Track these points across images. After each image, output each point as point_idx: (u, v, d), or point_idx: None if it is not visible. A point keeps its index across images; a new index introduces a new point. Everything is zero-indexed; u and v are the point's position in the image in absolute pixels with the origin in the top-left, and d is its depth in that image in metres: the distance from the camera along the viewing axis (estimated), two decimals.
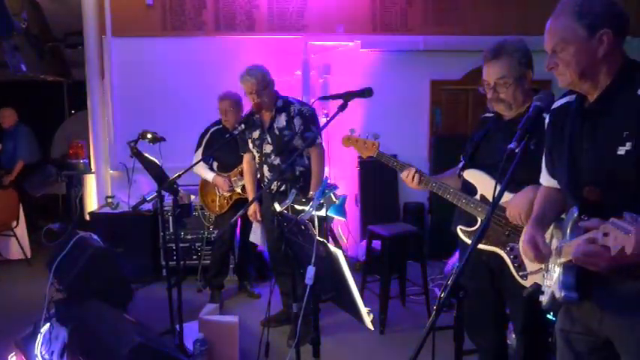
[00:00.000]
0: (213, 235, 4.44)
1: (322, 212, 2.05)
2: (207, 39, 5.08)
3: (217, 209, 4.10)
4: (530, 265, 2.01)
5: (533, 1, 4.86)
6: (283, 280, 3.46)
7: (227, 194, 3.99)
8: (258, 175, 3.53)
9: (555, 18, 1.50)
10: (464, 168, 2.28)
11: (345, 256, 1.74)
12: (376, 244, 3.93)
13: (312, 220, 1.99)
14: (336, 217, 2.27)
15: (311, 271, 1.82)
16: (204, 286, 4.32)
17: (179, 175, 2.84)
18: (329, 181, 2.15)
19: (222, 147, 3.78)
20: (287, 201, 2.34)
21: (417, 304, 3.99)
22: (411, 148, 5.17)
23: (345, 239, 5.20)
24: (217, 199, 4.07)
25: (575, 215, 1.51)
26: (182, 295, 2.96)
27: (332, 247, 1.79)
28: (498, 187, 1.39)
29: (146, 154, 3.11)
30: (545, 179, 1.76)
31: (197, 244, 4.63)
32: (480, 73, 2.20)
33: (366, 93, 2.30)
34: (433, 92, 5.34)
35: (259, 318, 3.47)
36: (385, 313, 3.58)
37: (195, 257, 4.63)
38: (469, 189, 2.25)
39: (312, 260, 1.82)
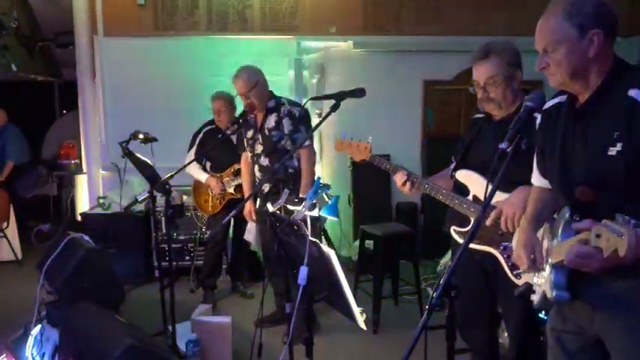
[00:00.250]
0: (206, 236, 4.43)
1: (315, 212, 2.05)
2: (200, 39, 5.06)
3: (210, 210, 4.09)
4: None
5: (524, 2, 4.89)
6: (276, 281, 3.46)
7: (219, 192, 3.98)
8: None
9: (546, 18, 1.50)
10: (456, 169, 2.30)
11: (338, 256, 1.74)
12: (369, 244, 3.94)
13: (304, 220, 1.99)
14: (329, 217, 2.26)
15: (304, 271, 1.82)
16: (197, 286, 4.31)
17: (171, 176, 2.83)
18: (321, 181, 2.15)
19: (215, 147, 3.77)
20: (279, 201, 2.33)
21: (410, 304, 4.00)
22: (403, 148, 5.18)
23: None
24: (210, 199, 4.06)
25: (567, 216, 1.52)
26: (175, 295, 2.95)
27: (324, 247, 1.79)
28: (490, 187, 1.40)
29: (138, 155, 3.10)
30: (537, 179, 1.77)
31: (190, 245, 4.62)
32: (472, 74, 2.22)
33: (358, 93, 2.30)
34: (425, 92, 5.36)
35: (252, 318, 3.46)
36: (378, 312, 3.59)
37: (187, 258, 4.61)
38: (461, 189, 2.27)
39: (305, 260, 1.82)
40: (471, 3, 5.20)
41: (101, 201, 4.74)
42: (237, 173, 3.92)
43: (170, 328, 2.96)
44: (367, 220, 4.56)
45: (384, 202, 5.29)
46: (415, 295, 3.85)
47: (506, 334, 2.53)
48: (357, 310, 1.77)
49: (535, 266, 1.59)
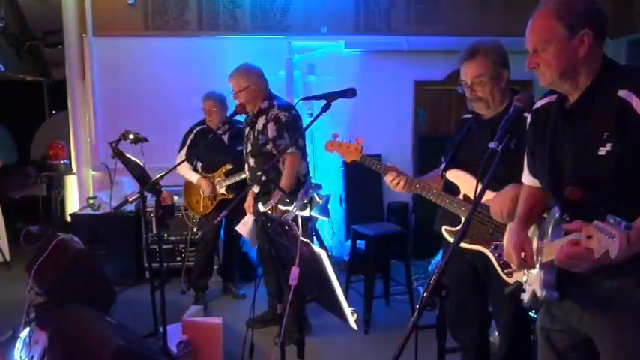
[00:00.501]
0: (197, 236, 4.41)
1: (306, 212, 2.05)
2: (190, 38, 5.04)
3: (201, 210, 4.07)
4: None
5: (515, 2, 4.92)
6: (270, 280, 3.46)
7: (209, 194, 3.96)
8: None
9: (537, 18, 1.51)
10: (446, 169, 2.31)
11: (330, 256, 1.75)
12: (360, 243, 3.95)
13: (295, 220, 1.99)
14: (320, 217, 2.26)
15: (295, 271, 1.82)
16: (188, 287, 4.29)
17: (162, 176, 2.82)
18: (312, 182, 2.15)
19: (206, 147, 3.75)
20: (271, 201, 2.33)
21: (402, 303, 4.01)
22: (394, 148, 5.20)
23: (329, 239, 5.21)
24: (201, 199, 4.04)
25: (557, 215, 1.53)
26: (166, 296, 2.93)
27: (316, 248, 1.79)
28: (480, 187, 1.40)
29: (128, 155, 3.08)
30: (527, 179, 1.78)
31: (181, 246, 4.60)
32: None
33: (349, 93, 2.30)
34: (417, 92, 5.38)
35: (244, 319, 3.45)
36: (370, 312, 3.59)
37: (178, 259, 4.59)
38: (452, 189, 2.28)
39: (296, 261, 1.82)
40: (463, 4, 5.23)
41: (91, 202, 4.71)
42: (228, 174, 3.91)
43: (161, 329, 2.94)
44: (359, 220, 4.57)
45: (375, 202, 5.30)
46: (407, 294, 3.86)
47: (496, 333, 2.54)
48: (348, 310, 1.77)
49: (526, 265, 1.60)
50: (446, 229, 2.30)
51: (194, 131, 4.02)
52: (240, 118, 3.63)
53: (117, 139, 3.15)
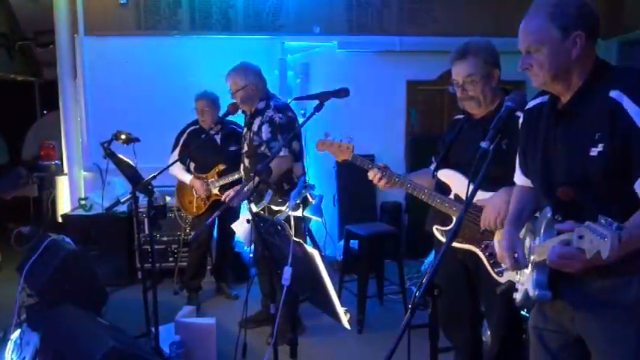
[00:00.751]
0: (190, 237, 4.39)
1: (299, 212, 2.05)
2: (183, 38, 5.02)
3: (194, 210, 4.05)
4: None
5: (508, 3, 4.94)
6: (264, 280, 3.45)
7: (204, 195, 3.95)
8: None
9: (529, 19, 1.51)
10: (437, 168, 2.32)
11: (323, 256, 1.74)
12: (354, 243, 3.95)
13: (288, 220, 1.99)
14: (313, 217, 2.26)
15: (288, 271, 1.82)
16: (181, 288, 4.27)
17: (154, 176, 2.80)
18: (305, 182, 2.15)
19: (198, 147, 3.74)
20: (263, 201, 2.33)
21: (395, 303, 4.01)
22: (387, 148, 5.21)
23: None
24: (194, 200, 4.03)
25: (549, 215, 1.53)
26: (158, 297, 2.92)
27: (308, 248, 1.78)
28: (471, 186, 1.41)
29: (120, 155, 3.06)
30: (519, 178, 1.78)
31: (173, 246, 4.58)
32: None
33: (342, 93, 2.30)
34: (409, 92, 5.39)
35: (237, 319, 3.44)
36: (363, 312, 3.59)
37: (171, 259, 4.57)
38: (443, 189, 2.29)
39: (289, 261, 1.82)
40: (455, 4, 5.24)
41: (82, 202, 4.68)
42: (221, 174, 3.89)
43: (153, 330, 2.93)
44: (352, 219, 4.57)
45: (368, 202, 5.31)
46: (400, 294, 3.87)
47: (488, 332, 2.55)
48: (341, 310, 1.77)
49: (518, 266, 1.60)
50: (437, 229, 2.31)
51: (187, 131, 4.00)
52: (235, 118, 3.62)
53: (109, 140, 3.13)
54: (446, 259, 2.18)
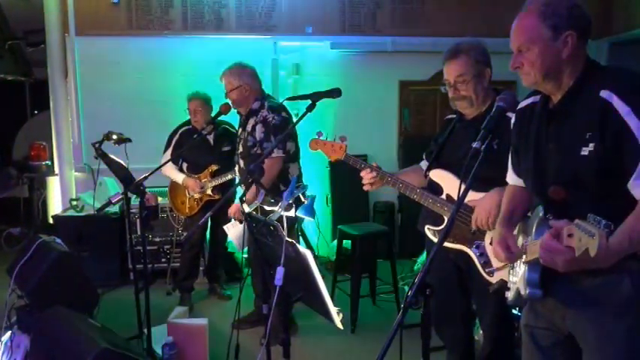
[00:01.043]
0: (183, 238, 4.38)
1: (291, 213, 2.05)
2: (175, 38, 5.00)
3: (187, 211, 4.04)
4: (497, 262, 2.05)
5: (500, 3, 4.97)
6: (257, 281, 3.45)
7: (197, 196, 3.94)
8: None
9: (521, 18, 1.52)
10: (430, 168, 2.32)
11: (316, 257, 1.75)
12: (347, 243, 3.95)
13: (280, 220, 1.99)
14: (306, 218, 2.26)
15: (280, 272, 1.82)
16: (174, 289, 4.26)
17: (146, 177, 2.79)
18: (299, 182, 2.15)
19: (191, 147, 3.73)
20: (256, 202, 2.32)
21: (388, 303, 4.02)
22: (380, 148, 5.22)
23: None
24: (187, 200, 4.01)
25: (541, 214, 1.54)
26: (151, 298, 2.90)
27: (301, 248, 1.78)
28: (463, 186, 1.41)
29: (111, 156, 3.05)
30: (512, 178, 1.80)
31: (166, 247, 4.56)
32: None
33: (334, 93, 2.30)
34: (402, 93, 5.40)
35: (230, 320, 3.43)
36: (356, 312, 3.60)
37: (164, 260, 4.55)
38: (435, 189, 2.29)
39: (281, 261, 1.81)
40: (447, 5, 5.26)
41: (74, 203, 4.65)
42: (214, 174, 3.88)
43: (146, 331, 2.91)
44: (345, 219, 4.58)
45: (361, 202, 5.32)
46: (392, 294, 3.88)
47: (481, 331, 2.56)
48: (333, 309, 1.77)
49: (512, 257, 1.61)
50: (429, 229, 2.32)
51: (179, 132, 3.99)
52: (228, 118, 3.61)
53: (100, 140, 3.11)
54: (438, 258, 2.19)
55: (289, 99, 2.77)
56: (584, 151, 1.41)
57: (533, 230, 1.55)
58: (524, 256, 1.57)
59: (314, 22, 5.13)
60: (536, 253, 1.42)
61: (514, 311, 2.35)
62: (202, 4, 4.99)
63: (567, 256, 1.27)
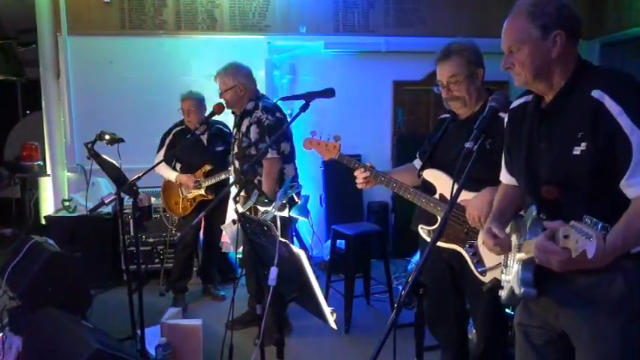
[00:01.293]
0: (176, 238, 4.36)
1: (285, 213, 2.05)
2: (168, 38, 4.98)
3: (181, 211, 4.03)
4: (489, 261, 2.06)
5: (493, 4, 4.99)
6: (251, 281, 3.44)
7: (190, 196, 3.92)
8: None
9: (511, 19, 1.54)
10: (423, 168, 2.33)
11: (310, 257, 1.75)
12: (340, 243, 3.95)
13: (274, 220, 1.99)
14: (299, 217, 2.26)
15: (274, 272, 1.81)
16: (167, 289, 4.24)
17: (139, 177, 2.78)
18: (293, 182, 2.15)
19: (184, 148, 3.72)
20: (249, 202, 2.32)
21: (382, 302, 4.02)
22: (374, 147, 5.23)
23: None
24: (180, 201, 4.00)
25: (534, 214, 1.55)
26: (144, 299, 2.89)
27: (294, 248, 1.78)
28: (455, 186, 1.41)
29: (104, 156, 3.03)
30: (505, 177, 1.81)
31: (159, 247, 4.54)
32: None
33: (327, 93, 2.30)
34: (395, 92, 5.41)
35: (224, 320, 3.41)
36: (350, 311, 3.60)
37: (157, 260, 4.53)
38: (429, 188, 2.30)
39: (275, 261, 1.81)
40: (440, 5, 5.28)
41: (66, 203, 4.62)
42: (208, 174, 3.87)
43: (139, 332, 2.90)
44: (339, 219, 4.58)
45: (355, 202, 5.32)
46: (387, 293, 3.88)
47: (474, 330, 2.57)
48: (327, 309, 1.77)
49: (502, 244, 1.61)
50: (422, 228, 2.33)
51: (172, 132, 3.97)
52: (222, 118, 3.60)
53: (92, 140, 3.10)
54: (431, 258, 2.19)
55: (283, 99, 2.77)
56: (576, 151, 1.42)
57: (527, 229, 1.56)
58: (517, 255, 1.57)
59: (308, 22, 5.13)
60: (531, 252, 1.42)
61: (507, 310, 2.36)
62: (195, 4, 4.97)
63: (563, 257, 1.28)
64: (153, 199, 4.38)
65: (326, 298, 3.57)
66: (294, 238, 4.69)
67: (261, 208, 2.91)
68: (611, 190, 1.41)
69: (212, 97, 3.54)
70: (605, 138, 1.38)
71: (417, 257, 4.24)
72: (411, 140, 5.16)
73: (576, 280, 1.48)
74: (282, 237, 1.85)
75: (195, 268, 4.31)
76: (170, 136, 3.96)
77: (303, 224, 5.04)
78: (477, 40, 2.29)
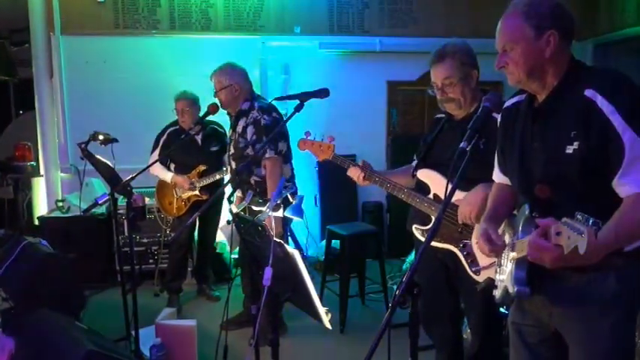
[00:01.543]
0: (170, 238, 4.35)
1: (279, 213, 2.04)
2: (162, 38, 4.97)
3: (175, 212, 4.01)
4: (483, 261, 2.07)
5: (487, 4, 5.01)
6: (246, 282, 3.43)
7: (185, 196, 3.91)
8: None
9: (505, 18, 1.54)
10: (417, 168, 2.33)
11: (304, 257, 1.75)
12: (335, 243, 3.95)
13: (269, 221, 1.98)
14: (294, 218, 2.26)
15: (268, 272, 1.81)
16: (162, 290, 4.23)
17: (133, 177, 2.77)
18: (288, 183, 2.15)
19: (179, 148, 3.71)
20: (244, 202, 2.32)
21: (377, 302, 4.03)
22: (368, 147, 5.23)
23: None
24: (175, 201, 3.99)
25: (527, 212, 1.56)
26: (138, 300, 2.88)
27: (289, 248, 1.78)
28: (449, 186, 1.42)
29: (98, 156, 3.02)
30: (498, 176, 1.81)
31: (154, 248, 4.53)
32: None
33: (322, 93, 2.30)
34: (390, 93, 5.42)
35: (218, 321, 3.40)
36: (345, 311, 3.60)
37: (151, 261, 4.52)
38: (423, 188, 2.30)
39: (269, 261, 1.81)
40: (435, 5, 5.29)
41: (60, 204, 4.60)
42: (202, 174, 3.86)
43: (133, 333, 2.89)
44: (333, 219, 4.58)
45: (350, 202, 5.33)
46: (381, 293, 3.89)
47: (469, 330, 2.58)
48: (322, 309, 1.77)
49: (495, 247, 1.61)
50: (416, 228, 2.33)
51: (167, 132, 3.96)
52: (217, 118, 3.59)
53: (86, 140, 3.08)
54: (426, 258, 2.20)
55: (277, 99, 2.77)
56: (569, 150, 1.43)
57: (520, 228, 1.57)
58: (511, 255, 1.58)
59: (302, 22, 5.13)
60: (524, 251, 1.43)
61: (502, 309, 2.37)
62: (190, 4, 4.96)
63: (555, 254, 1.28)
64: (147, 200, 4.36)
65: (321, 298, 3.57)
66: (289, 238, 4.69)
67: (256, 208, 2.91)
68: (603, 189, 1.42)
69: (206, 97, 3.53)
70: (597, 137, 1.39)
71: (411, 257, 4.25)
72: (406, 140, 5.19)
73: (569, 278, 1.49)
74: (276, 237, 1.84)
75: (189, 269, 4.30)
76: (164, 137, 3.94)
77: (298, 224, 5.04)
78: (471, 40, 2.29)
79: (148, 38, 4.95)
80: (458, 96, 2.18)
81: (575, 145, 1.42)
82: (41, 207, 5.19)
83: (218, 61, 3.42)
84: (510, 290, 1.56)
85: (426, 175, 2.30)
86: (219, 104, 3.34)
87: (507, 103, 1.73)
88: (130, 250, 2.97)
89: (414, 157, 2.46)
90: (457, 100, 2.19)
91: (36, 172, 5.21)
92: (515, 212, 1.71)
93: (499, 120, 1.75)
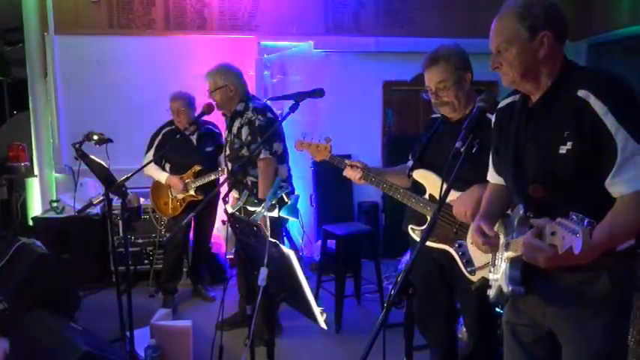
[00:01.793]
0: (165, 239, 4.34)
1: (275, 213, 2.04)
2: (157, 37, 4.95)
3: (170, 212, 4.00)
4: (478, 261, 2.08)
5: (482, 4, 5.01)
6: (242, 282, 3.43)
7: (180, 196, 3.90)
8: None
9: (499, 19, 1.55)
10: (413, 168, 2.34)
11: (300, 257, 1.75)
12: (331, 243, 3.95)
13: (264, 221, 1.98)
14: (290, 218, 2.26)
15: (263, 272, 1.81)
16: (157, 290, 4.22)
17: (128, 178, 2.76)
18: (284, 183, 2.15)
19: (174, 148, 3.70)
20: (239, 202, 2.31)
21: (372, 302, 4.04)
22: (364, 148, 5.22)
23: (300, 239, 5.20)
24: (170, 201, 3.98)
25: (521, 212, 1.56)
26: (133, 300, 2.87)
27: (284, 248, 1.78)
28: (444, 186, 1.42)
29: (92, 156, 3.00)
30: (492, 176, 1.82)
31: (149, 248, 4.51)
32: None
33: (317, 93, 2.30)
34: (385, 93, 5.43)
35: (214, 321, 3.41)
36: (340, 311, 3.60)
37: (146, 262, 4.51)
38: (418, 188, 2.31)
39: (265, 261, 1.81)
40: (430, 5, 5.30)
41: (54, 204, 4.58)
42: (197, 175, 3.86)
43: (128, 333, 2.88)
44: (329, 219, 4.58)
45: (345, 202, 5.33)
46: (377, 293, 3.89)
47: (464, 329, 2.59)
48: (317, 310, 1.77)
49: (491, 243, 1.62)
50: (412, 228, 2.34)
51: (162, 132, 3.95)
52: (212, 118, 3.58)
53: (80, 140, 3.07)
54: (421, 258, 2.21)
55: (272, 99, 2.78)
56: (562, 150, 1.43)
57: (514, 228, 1.57)
58: (505, 254, 1.58)
59: (297, 22, 5.13)
60: (519, 250, 1.43)
61: (497, 309, 2.38)
62: (184, 3, 4.95)
63: (549, 254, 1.29)
64: (142, 200, 4.35)
65: (316, 298, 3.57)
66: (285, 239, 4.69)
67: (251, 208, 2.91)
68: (596, 189, 1.42)
69: (202, 97, 3.52)
70: (590, 137, 1.40)
71: (407, 257, 4.25)
72: (401, 140, 5.19)
73: (563, 278, 1.50)
74: (272, 237, 1.84)
75: (184, 269, 4.29)
76: (159, 137, 3.93)
77: (293, 224, 5.04)
78: (465, 40, 2.30)
79: (143, 38, 4.93)
80: (452, 99, 2.18)
81: (569, 145, 1.42)
82: (35, 207, 5.17)
83: (213, 60, 3.41)
84: (505, 289, 1.57)
85: (421, 175, 2.30)
86: (214, 105, 3.34)
87: (501, 104, 1.73)
88: (125, 250, 2.96)
89: (410, 158, 2.46)
90: (451, 103, 2.19)
91: (30, 172, 5.19)
92: (509, 212, 1.72)
93: (493, 120, 1.76)
